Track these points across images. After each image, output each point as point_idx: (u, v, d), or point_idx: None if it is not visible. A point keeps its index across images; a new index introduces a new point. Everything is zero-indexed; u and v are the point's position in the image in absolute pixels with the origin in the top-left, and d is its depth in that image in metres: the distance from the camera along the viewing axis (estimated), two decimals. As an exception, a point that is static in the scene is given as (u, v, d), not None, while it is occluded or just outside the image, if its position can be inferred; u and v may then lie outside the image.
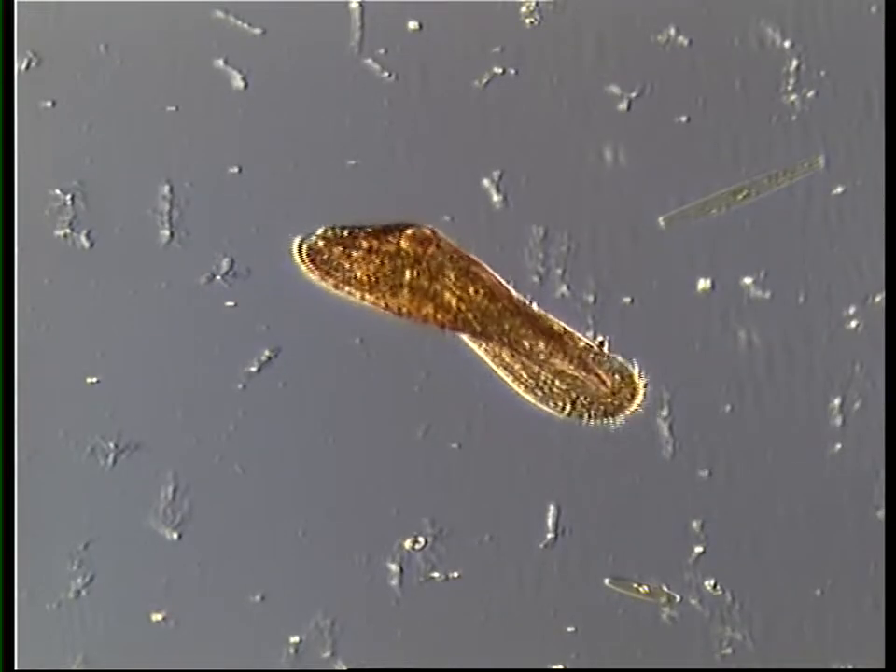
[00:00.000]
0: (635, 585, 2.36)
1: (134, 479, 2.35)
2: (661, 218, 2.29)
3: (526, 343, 2.30)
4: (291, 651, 2.39)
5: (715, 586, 2.36)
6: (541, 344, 2.30)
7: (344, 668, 2.39)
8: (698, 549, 2.35)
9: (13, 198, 2.27)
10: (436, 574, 2.37)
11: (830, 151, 2.29)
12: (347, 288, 2.28)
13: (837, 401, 2.31)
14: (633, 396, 2.31)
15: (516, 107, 2.29)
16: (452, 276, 2.26)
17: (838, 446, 2.32)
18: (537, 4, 2.26)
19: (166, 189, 2.29)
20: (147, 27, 2.27)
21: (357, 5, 2.27)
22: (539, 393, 2.31)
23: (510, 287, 2.30)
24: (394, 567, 2.37)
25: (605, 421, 2.32)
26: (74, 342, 2.32)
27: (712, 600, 2.36)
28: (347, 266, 2.27)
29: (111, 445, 2.33)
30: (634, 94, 2.28)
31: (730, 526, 2.35)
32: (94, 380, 2.32)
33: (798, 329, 2.31)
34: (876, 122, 2.28)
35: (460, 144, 2.30)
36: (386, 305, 2.28)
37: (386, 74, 2.29)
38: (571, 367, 2.30)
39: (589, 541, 2.36)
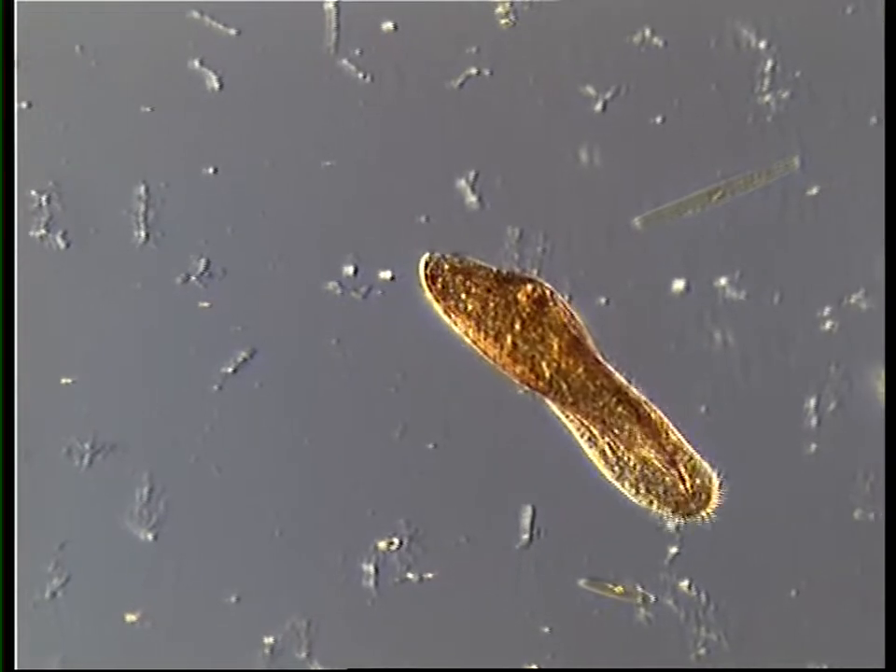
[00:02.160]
0: (610, 586, 2.36)
1: (110, 480, 2.35)
2: (636, 219, 2.29)
3: (618, 425, 2.29)
4: (267, 651, 2.39)
5: (690, 587, 2.36)
6: (634, 428, 2.29)
7: (320, 669, 2.39)
8: (673, 550, 2.35)
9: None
10: (411, 575, 2.37)
11: (805, 152, 2.29)
12: (455, 317, 2.26)
13: (812, 402, 2.31)
14: (706, 504, 2.30)
15: (491, 108, 2.29)
16: (556, 347, 2.24)
17: (813, 446, 2.32)
18: (512, 4, 2.26)
19: (142, 189, 2.29)
20: (122, 28, 2.27)
21: (333, 5, 2.27)
22: (618, 470, 2.30)
23: (609, 365, 2.29)
24: (369, 568, 2.37)
25: (670, 515, 2.31)
26: (48, 342, 2.32)
27: (687, 601, 2.36)
28: (463, 297, 2.25)
29: (86, 446, 2.33)
30: (609, 95, 2.28)
31: (705, 527, 2.35)
32: (69, 381, 2.32)
33: (773, 329, 2.31)
34: (851, 123, 2.28)
35: (435, 144, 2.30)
36: (485, 350, 2.26)
37: (362, 74, 2.29)
38: (656, 456, 2.30)
39: (564, 542, 2.36)
